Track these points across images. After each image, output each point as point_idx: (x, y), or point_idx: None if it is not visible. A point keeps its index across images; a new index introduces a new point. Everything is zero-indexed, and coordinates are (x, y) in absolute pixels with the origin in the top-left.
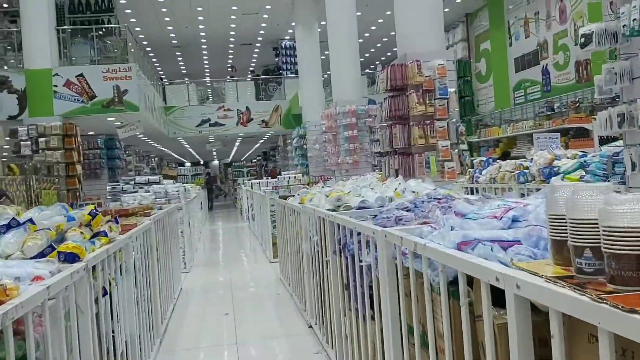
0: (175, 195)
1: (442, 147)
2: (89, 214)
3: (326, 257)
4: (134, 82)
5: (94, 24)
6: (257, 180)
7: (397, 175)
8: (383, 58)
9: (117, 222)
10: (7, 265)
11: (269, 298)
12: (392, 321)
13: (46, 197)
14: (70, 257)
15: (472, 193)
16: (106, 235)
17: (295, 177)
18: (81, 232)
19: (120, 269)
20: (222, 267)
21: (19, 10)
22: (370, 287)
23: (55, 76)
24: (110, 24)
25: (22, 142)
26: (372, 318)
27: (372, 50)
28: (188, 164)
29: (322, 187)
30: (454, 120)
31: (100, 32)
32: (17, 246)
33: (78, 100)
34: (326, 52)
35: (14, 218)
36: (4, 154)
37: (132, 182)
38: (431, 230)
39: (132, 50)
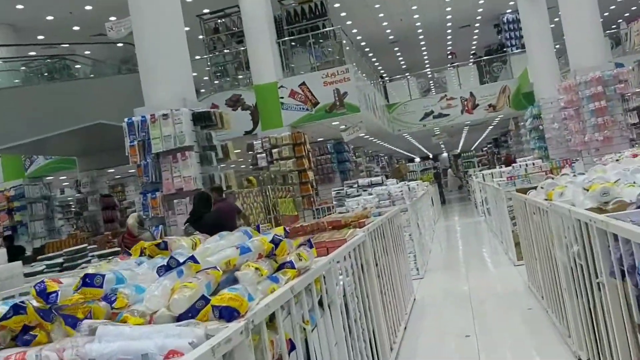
0: (399, 196)
1: None
2: (271, 241)
3: (597, 277)
4: (352, 84)
5: (310, 31)
6: (489, 170)
7: None
8: (627, 14)
9: (312, 246)
10: (132, 337)
11: (519, 314)
12: None
13: (282, 205)
14: (227, 313)
15: None
16: (293, 267)
17: (534, 164)
18: (256, 268)
19: (320, 304)
20: (459, 271)
21: (243, 31)
22: None
23: (280, 88)
24: (325, 28)
25: (257, 155)
26: None
27: (612, 7)
28: (417, 159)
29: (574, 174)
30: None
31: (319, 40)
32: (165, 300)
33: (303, 108)
34: (555, 19)
35: (172, 257)
36: (242, 167)
37: (356, 186)
38: None
39: (349, 51)
